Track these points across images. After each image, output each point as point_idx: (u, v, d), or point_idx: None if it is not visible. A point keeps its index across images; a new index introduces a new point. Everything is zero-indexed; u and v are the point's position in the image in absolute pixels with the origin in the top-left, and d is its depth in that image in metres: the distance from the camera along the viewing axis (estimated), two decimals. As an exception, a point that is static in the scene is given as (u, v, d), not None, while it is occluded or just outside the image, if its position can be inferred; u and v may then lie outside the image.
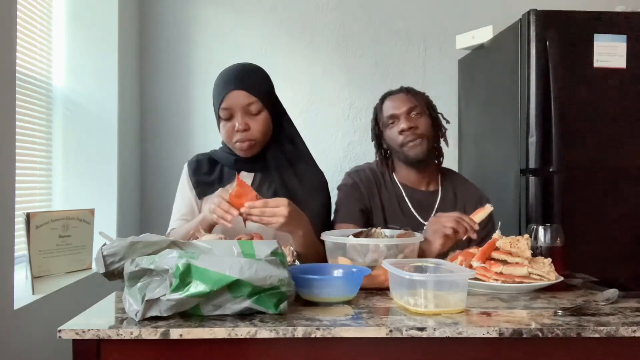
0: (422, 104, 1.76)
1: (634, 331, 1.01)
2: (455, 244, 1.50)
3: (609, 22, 2.19)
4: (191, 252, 1.07)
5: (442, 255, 1.46)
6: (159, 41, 2.80)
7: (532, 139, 2.15)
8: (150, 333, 0.96)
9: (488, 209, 1.53)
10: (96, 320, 1.04)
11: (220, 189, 1.54)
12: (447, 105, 2.82)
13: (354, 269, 1.24)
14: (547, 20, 2.14)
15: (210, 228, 1.50)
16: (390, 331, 0.98)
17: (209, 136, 2.73)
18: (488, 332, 0.99)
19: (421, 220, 1.73)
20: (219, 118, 1.63)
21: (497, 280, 1.28)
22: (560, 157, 2.11)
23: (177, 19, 2.81)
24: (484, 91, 2.58)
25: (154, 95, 2.80)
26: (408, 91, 1.78)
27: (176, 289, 0.99)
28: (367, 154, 2.60)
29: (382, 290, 1.27)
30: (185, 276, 0.99)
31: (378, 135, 1.82)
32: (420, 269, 1.26)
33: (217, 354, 0.99)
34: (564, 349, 1.03)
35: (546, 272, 1.29)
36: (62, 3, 2.39)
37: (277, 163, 1.65)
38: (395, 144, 1.74)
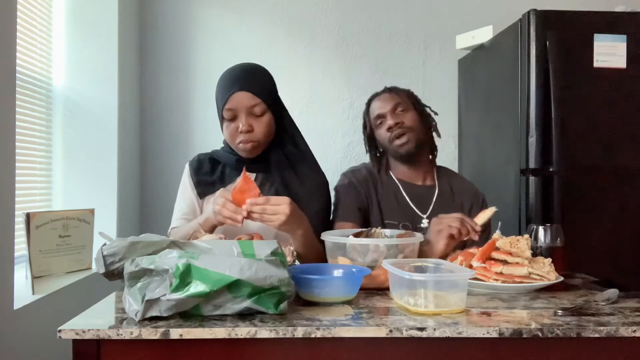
0: (406, 99, 1.79)
1: (634, 331, 1.01)
2: (457, 246, 1.50)
3: (609, 22, 2.19)
4: (191, 252, 1.07)
5: (444, 255, 1.46)
6: (159, 41, 2.80)
7: (532, 139, 2.15)
8: (150, 333, 0.96)
9: (491, 210, 1.53)
10: (96, 320, 1.04)
11: (221, 190, 1.54)
12: (447, 105, 2.83)
13: (354, 269, 1.24)
14: (547, 20, 2.14)
15: (212, 229, 1.50)
16: (390, 331, 0.98)
17: (209, 136, 2.73)
18: (488, 332, 0.99)
19: (419, 213, 1.74)
20: (222, 118, 1.63)
21: (497, 280, 1.28)
22: (560, 157, 2.11)
23: (177, 19, 2.81)
24: (484, 91, 2.58)
25: (154, 95, 2.80)
26: (391, 90, 1.82)
27: (176, 289, 0.99)
28: (367, 154, 2.60)
29: (382, 290, 1.27)
30: (185, 276, 0.99)
31: (370, 136, 1.86)
32: (420, 269, 1.26)
33: (217, 354, 0.99)
34: (564, 349, 1.03)
35: (546, 272, 1.29)
36: (62, 3, 2.39)
37: (278, 164, 1.66)
38: (386, 141, 1.77)
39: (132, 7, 2.67)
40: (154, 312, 1.01)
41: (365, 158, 1.90)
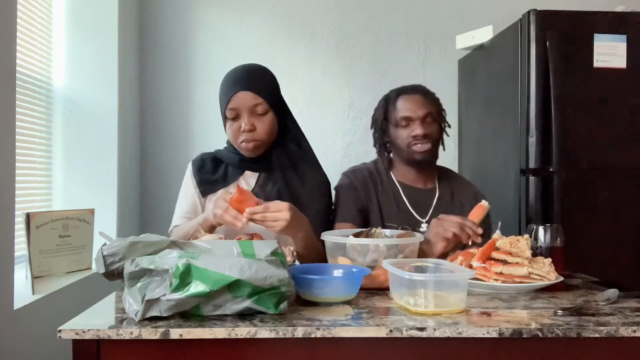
0: (436, 109, 1.74)
1: (634, 331, 1.01)
2: (458, 246, 1.50)
3: (609, 22, 2.19)
4: (191, 252, 1.07)
5: (443, 255, 1.46)
6: (159, 41, 2.80)
7: (532, 139, 2.15)
8: (150, 333, 0.96)
9: (484, 206, 1.53)
10: (96, 320, 1.04)
11: (223, 191, 1.54)
12: (447, 105, 2.77)
13: (354, 269, 1.24)
14: (547, 20, 2.14)
15: (211, 229, 1.51)
16: (390, 331, 0.98)
17: (209, 136, 2.73)
18: (488, 332, 0.99)
19: (418, 218, 1.74)
20: (225, 118, 1.63)
21: (497, 280, 1.28)
22: (560, 157, 2.11)
23: (177, 19, 2.81)
24: (484, 91, 2.58)
25: (154, 95, 2.80)
26: (425, 93, 1.75)
27: (176, 289, 0.99)
28: (367, 154, 2.60)
29: (382, 290, 1.27)
30: (185, 276, 0.99)
31: (383, 128, 1.78)
32: (420, 269, 1.26)
33: (217, 354, 0.99)
34: (564, 349, 1.03)
35: (546, 272, 1.29)
36: (62, 3, 2.39)
37: (281, 164, 1.66)
38: (404, 144, 1.72)
39: (132, 7, 2.67)
40: (154, 312, 1.01)
41: (365, 158, 1.89)
